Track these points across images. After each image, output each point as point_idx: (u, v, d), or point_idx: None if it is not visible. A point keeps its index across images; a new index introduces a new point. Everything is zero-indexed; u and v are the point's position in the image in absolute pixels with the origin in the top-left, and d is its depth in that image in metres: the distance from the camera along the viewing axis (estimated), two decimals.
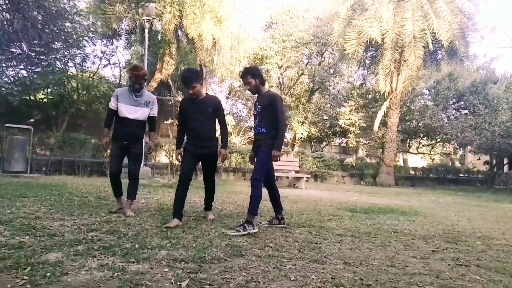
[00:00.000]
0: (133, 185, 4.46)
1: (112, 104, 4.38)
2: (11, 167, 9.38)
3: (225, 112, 4.63)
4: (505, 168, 22.95)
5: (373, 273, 2.63)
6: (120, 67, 20.14)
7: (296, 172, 12.20)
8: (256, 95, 4.27)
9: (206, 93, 4.53)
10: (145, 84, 4.47)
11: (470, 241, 4.06)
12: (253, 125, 4.29)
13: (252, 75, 4.13)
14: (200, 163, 4.38)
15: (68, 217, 3.97)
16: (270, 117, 4.01)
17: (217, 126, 4.36)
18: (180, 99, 18.34)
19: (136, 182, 4.51)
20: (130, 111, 4.35)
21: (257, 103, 4.17)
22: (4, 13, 10.81)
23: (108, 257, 2.60)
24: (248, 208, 3.88)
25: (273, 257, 2.88)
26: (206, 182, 4.45)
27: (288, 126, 21.80)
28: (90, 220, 3.87)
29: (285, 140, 23.40)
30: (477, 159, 23.08)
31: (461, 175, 22.88)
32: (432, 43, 15.03)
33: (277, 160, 4.03)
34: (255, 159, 4.14)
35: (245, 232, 3.61)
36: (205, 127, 4.19)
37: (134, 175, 4.49)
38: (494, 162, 21.67)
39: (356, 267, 2.76)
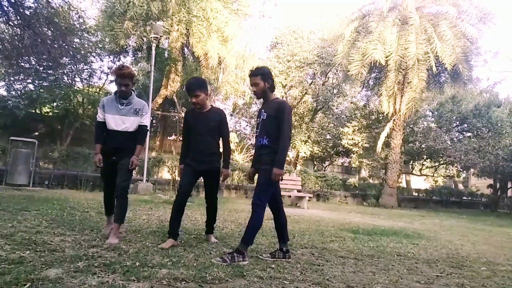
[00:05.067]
0: (121, 206, 3.80)
1: (99, 116, 3.91)
2: (14, 180, 9.39)
3: (229, 130, 4.35)
4: (509, 192, 22.72)
5: None
6: None
7: (298, 191, 12.14)
8: (262, 102, 3.80)
9: (211, 105, 4.19)
10: (133, 89, 3.98)
11: (475, 267, 4.00)
12: (254, 136, 3.74)
13: (262, 76, 3.63)
14: (201, 180, 4.19)
15: (69, 232, 3.95)
16: (275, 127, 3.50)
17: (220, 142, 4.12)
18: None
19: (125, 201, 3.82)
20: (118, 122, 3.86)
21: (262, 110, 3.67)
22: (15, 28, 11.01)
23: (108, 275, 2.58)
24: (242, 236, 3.50)
25: (275, 279, 2.84)
26: (208, 200, 4.21)
27: (291, 144, 21.84)
28: (91, 236, 3.85)
29: (287, 158, 23.36)
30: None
31: (464, 198, 22.69)
32: (436, 66, 15.16)
33: (279, 180, 3.49)
34: (256, 178, 3.70)
35: (232, 263, 3.17)
36: (207, 142, 3.94)
37: (122, 192, 3.81)
38: (498, 186, 21.52)
39: None
